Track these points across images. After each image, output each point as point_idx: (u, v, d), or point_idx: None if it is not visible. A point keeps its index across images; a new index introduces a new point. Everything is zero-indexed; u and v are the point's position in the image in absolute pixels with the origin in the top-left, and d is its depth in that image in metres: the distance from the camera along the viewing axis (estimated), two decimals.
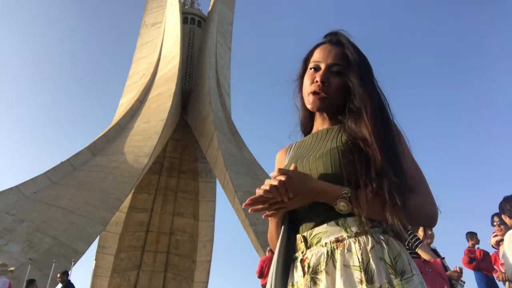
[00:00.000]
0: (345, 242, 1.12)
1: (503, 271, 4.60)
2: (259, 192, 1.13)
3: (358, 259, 1.08)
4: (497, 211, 4.86)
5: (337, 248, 1.12)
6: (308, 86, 1.34)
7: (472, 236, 6.84)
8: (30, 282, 9.98)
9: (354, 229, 1.13)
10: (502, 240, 4.80)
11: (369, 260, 1.07)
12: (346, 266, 1.08)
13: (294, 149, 1.42)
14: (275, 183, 1.12)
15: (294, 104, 1.47)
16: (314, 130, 1.41)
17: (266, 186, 1.13)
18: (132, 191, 24.37)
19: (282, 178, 1.12)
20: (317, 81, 1.31)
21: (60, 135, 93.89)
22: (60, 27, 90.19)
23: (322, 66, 1.32)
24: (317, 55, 1.36)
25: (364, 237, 1.12)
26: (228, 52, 33.84)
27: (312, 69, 1.35)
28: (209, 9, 34.52)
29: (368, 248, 1.09)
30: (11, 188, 18.30)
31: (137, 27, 35.92)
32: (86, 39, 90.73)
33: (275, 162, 1.50)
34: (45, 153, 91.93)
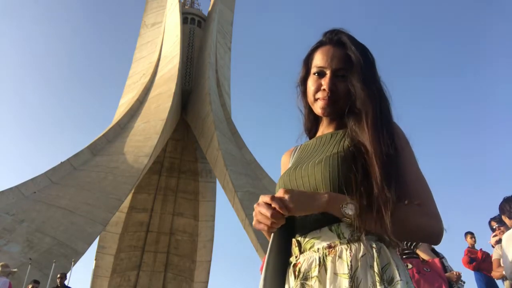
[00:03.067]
0: (337, 248, 1.10)
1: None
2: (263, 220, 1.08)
3: (348, 266, 1.06)
4: (492, 214, 4.89)
5: (329, 254, 1.10)
6: (313, 92, 1.30)
7: (470, 235, 6.84)
8: (34, 282, 9.88)
9: (347, 235, 1.11)
10: (501, 240, 4.78)
11: (357, 268, 1.06)
12: (336, 274, 1.06)
13: (298, 152, 1.39)
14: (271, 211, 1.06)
15: (298, 109, 1.44)
16: (319, 133, 1.39)
17: (266, 212, 1.06)
18: (132, 191, 24.37)
19: (277, 207, 1.06)
20: (324, 89, 1.27)
21: (60, 135, 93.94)
22: (61, 27, 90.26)
23: (327, 72, 1.28)
24: (319, 59, 1.30)
25: (356, 244, 1.09)
26: (228, 52, 33.85)
27: (316, 74, 1.30)
28: (209, 9, 34.52)
29: (359, 255, 1.07)
30: (11, 188, 18.31)
31: (137, 27, 35.95)
32: (86, 39, 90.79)
33: (281, 165, 1.47)
34: (45, 153, 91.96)
